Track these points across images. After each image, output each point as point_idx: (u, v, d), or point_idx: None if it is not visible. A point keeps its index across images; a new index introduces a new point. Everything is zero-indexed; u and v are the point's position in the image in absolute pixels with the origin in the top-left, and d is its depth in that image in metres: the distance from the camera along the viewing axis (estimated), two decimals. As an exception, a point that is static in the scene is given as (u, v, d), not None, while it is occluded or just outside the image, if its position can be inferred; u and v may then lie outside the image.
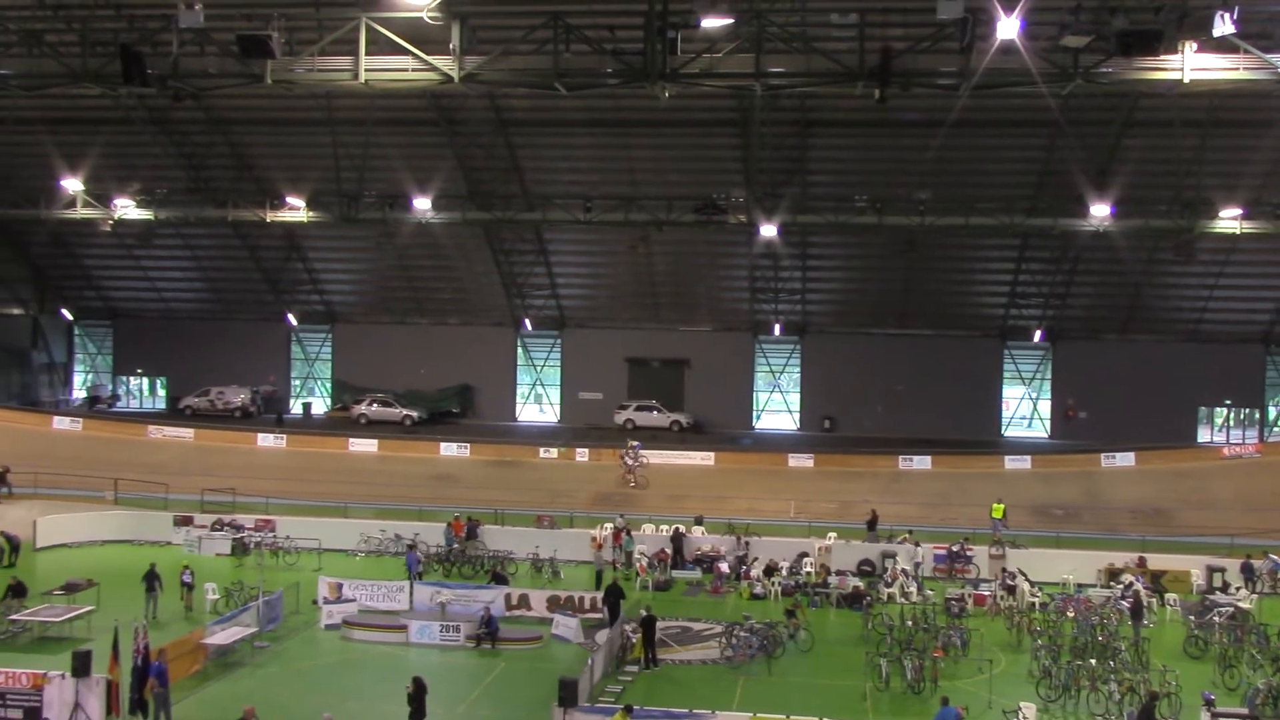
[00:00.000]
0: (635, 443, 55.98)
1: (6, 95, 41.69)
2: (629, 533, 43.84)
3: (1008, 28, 31.16)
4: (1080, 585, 39.71)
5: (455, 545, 43.40)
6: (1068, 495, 52.65)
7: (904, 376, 64.79)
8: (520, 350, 69.56)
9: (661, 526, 45.30)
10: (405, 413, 65.46)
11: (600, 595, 35.74)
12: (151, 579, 35.52)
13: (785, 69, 33.38)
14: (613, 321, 67.11)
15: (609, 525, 44.65)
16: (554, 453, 57.91)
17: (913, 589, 39.14)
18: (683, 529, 44.49)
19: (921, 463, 56.13)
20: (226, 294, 71.03)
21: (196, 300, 72.32)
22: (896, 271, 61.04)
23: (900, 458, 56.53)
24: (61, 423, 61.96)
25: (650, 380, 67.10)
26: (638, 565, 41.46)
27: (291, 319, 70.55)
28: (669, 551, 42.78)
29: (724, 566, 41.32)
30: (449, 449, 58.25)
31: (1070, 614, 34.87)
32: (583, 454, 57.71)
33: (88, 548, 44.47)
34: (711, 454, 57.65)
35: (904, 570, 40.52)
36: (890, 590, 39.02)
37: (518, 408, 69.45)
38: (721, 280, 64.25)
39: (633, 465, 54.63)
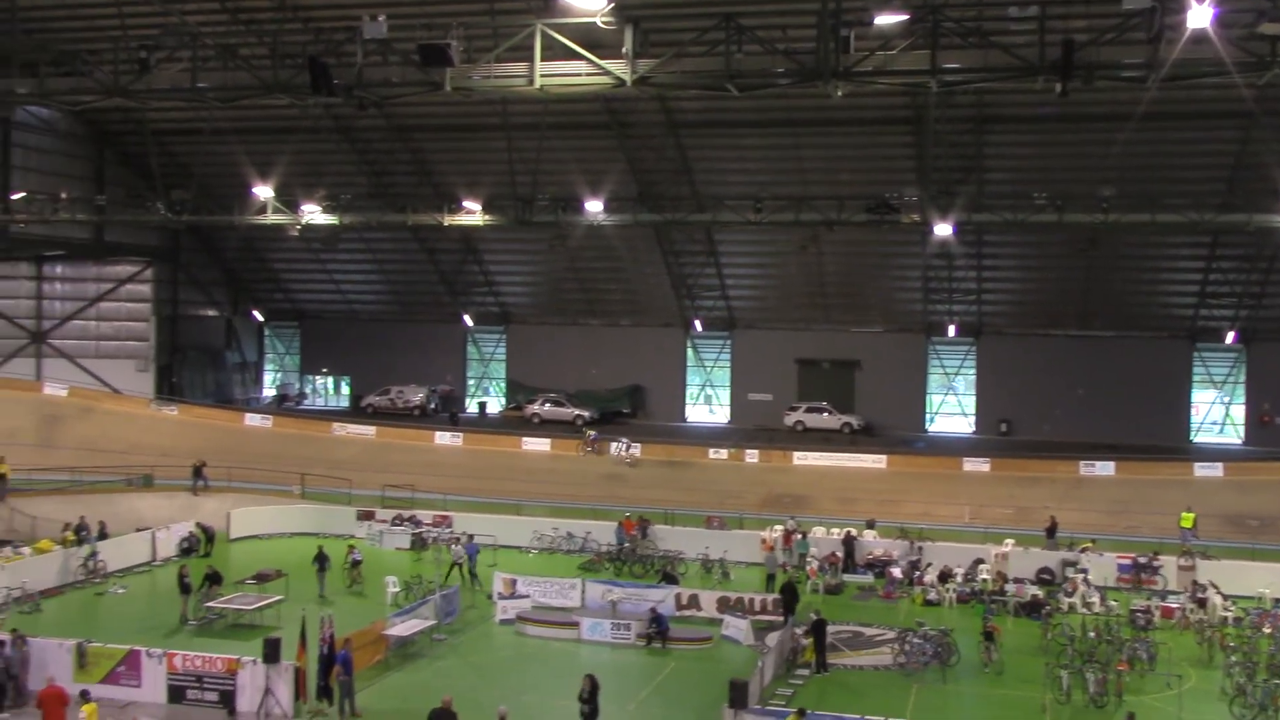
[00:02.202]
0: (592, 433, 59.07)
1: (204, 107, 43.79)
2: (802, 535, 43.48)
3: (1199, 16, 29.69)
4: (1278, 600, 37.66)
5: (626, 544, 43.70)
6: (1264, 505, 49.97)
7: (1084, 379, 62.55)
8: (690, 351, 69.71)
9: (832, 530, 44.77)
10: (577, 412, 66.26)
11: (774, 597, 35.66)
12: (321, 559, 38.35)
13: (961, 64, 32.54)
14: (783, 322, 66.70)
15: (779, 527, 44.36)
16: (723, 454, 57.77)
17: (1095, 599, 37.74)
18: (854, 532, 43.88)
19: (1104, 468, 54.10)
20: (406, 296, 73.16)
21: (378, 302, 74.69)
22: (1076, 271, 58.99)
23: (1081, 463, 54.60)
24: (253, 419, 64.81)
25: (820, 382, 66.40)
26: (809, 568, 41.09)
27: (468, 320, 72.28)
28: (840, 555, 42.27)
29: (896, 571, 40.61)
30: (618, 447, 58.60)
31: (1267, 630, 33.10)
32: (752, 455, 57.43)
33: (276, 539, 46.46)
34: (883, 457, 56.73)
35: (1085, 579, 39.12)
36: (1071, 600, 37.72)
37: (687, 408, 69.71)
38: (894, 280, 63.15)
39: (624, 456, 57.29)
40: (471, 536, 42.44)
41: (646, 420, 68.37)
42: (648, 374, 69.36)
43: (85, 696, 25.06)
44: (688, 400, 69.81)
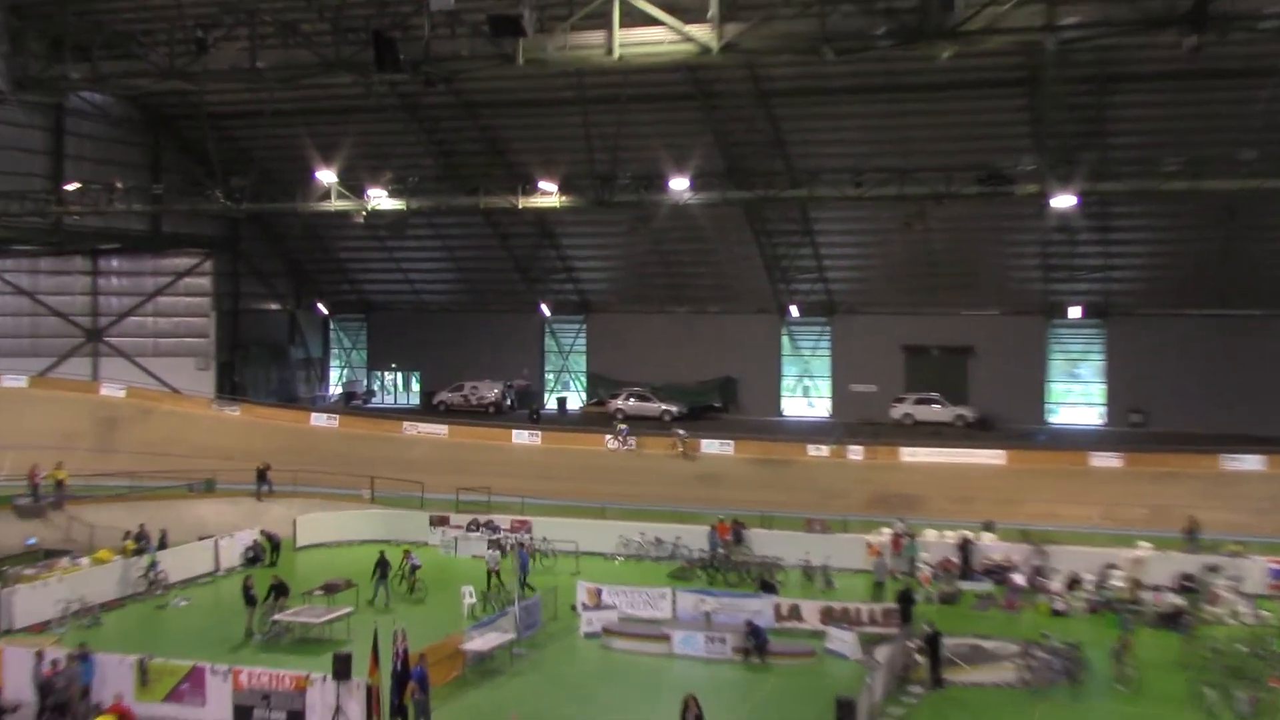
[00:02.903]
0: (623, 427, 59.98)
1: (264, 89, 44.46)
2: (912, 539, 43.01)
3: (1353, -45, 28.71)
4: None
5: (720, 550, 43.56)
6: None
7: (1227, 363, 60.94)
8: (785, 339, 69.50)
9: (946, 533, 44.14)
10: (664, 407, 66.28)
11: (885, 606, 35.41)
12: (383, 566, 39.06)
13: (1081, 18, 31.79)
14: (887, 306, 66.16)
15: (887, 530, 43.90)
16: (824, 450, 57.40)
17: (1243, 608, 36.78)
18: (970, 536, 43.22)
19: (1251, 463, 52.58)
20: (479, 284, 73.82)
21: (448, 292, 75.44)
22: (1214, 243, 57.50)
23: (1224, 457, 53.12)
24: (319, 419, 65.75)
25: (930, 370, 65.72)
26: (920, 575, 40.63)
27: (545, 309, 72.69)
28: (955, 561, 41.71)
29: (1018, 578, 39.95)
30: (711, 446, 58.59)
31: None
32: (856, 452, 57.00)
33: (345, 547, 46.93)
34: (1001, 452, 55.84)
35: (1232, 586, 38.11)
36: (1216, 609, 36.79)
37: (783, 401, 69.46)
38: (1009, 258, 62.19)
39: (621, 445, 58.60)
40: (522, 544, 42.96)
41: (739, 415, 68.23)
42: (740, 365, 69.20)
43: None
44: (784, 393, 69.63)
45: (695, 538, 44.62)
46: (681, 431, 59.87)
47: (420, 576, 40.15)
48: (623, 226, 63.29)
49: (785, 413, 68.99)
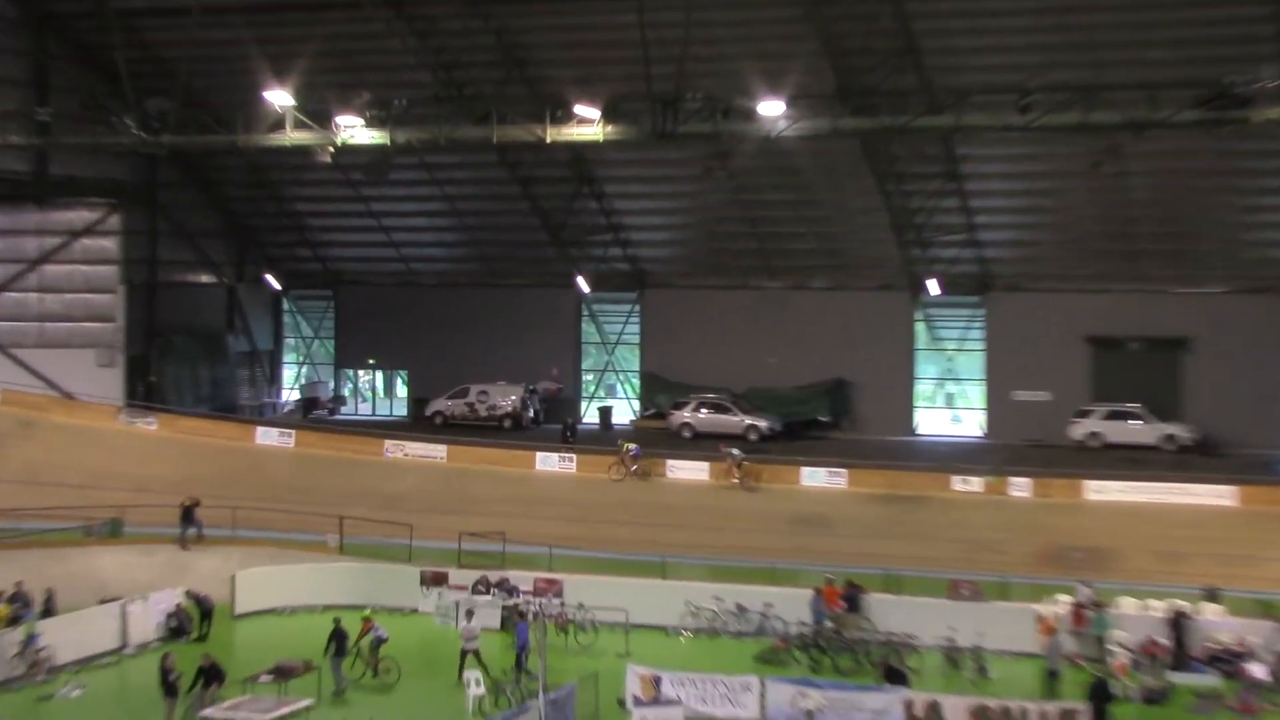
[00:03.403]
0: (632, 447, 60.67)
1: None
2: (1100, 610, 42.48)
3: None
4: None
5: (827, 623, 43.29)
6: None
7: None
8: (921, 327, 69.28)
9: (1150, 603, 43.59)
10: (750, 422, 65.99)
11: (1069, 707, 34.79)
12: (338, 639, 39.31)
13: None
14: (1065, 281, 65.78)
15: (1065, 598, 43.43)
16: (976, 483, 56.93)
17: None
18: (1186, 608, 42.66)
19: None
20: (491, 250, 73.90)
21: (449, 260, 75.60)
22: None
23: None
24: (267, 436, 65.82)
25: (1127, 371, 65.25)
26: (1114, 662, 40.15)
27: (583, 284, 72.52)
28: (1165, 643, 41.15)
29: (1257, 669, 39.30)
30: (815, 476, 58.22)
31: None
32: (1021, 486, 56.58)
33: (304, 615, 46.93)
34: (1230, 489, 55.04)
35: None
36: None
37: (917, 415, 69.22)
38: (1245, 213, 61.55)
39: (625, 471, 60.01)
40: (523, 614, 42.94)
41: (855, 433, 67.98)
42: (857, 363, 68.85)
43: None
44: (918, 402, 69.40)
45: (793, 605, 44.32)
46: (736, 451, 59.73)
47: (389, 654, 40.08)
48: (692, 169, 62.87)
49: (920, 430, 68.69)
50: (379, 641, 40.26)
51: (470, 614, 41.92)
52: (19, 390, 67.64)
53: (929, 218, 64.32)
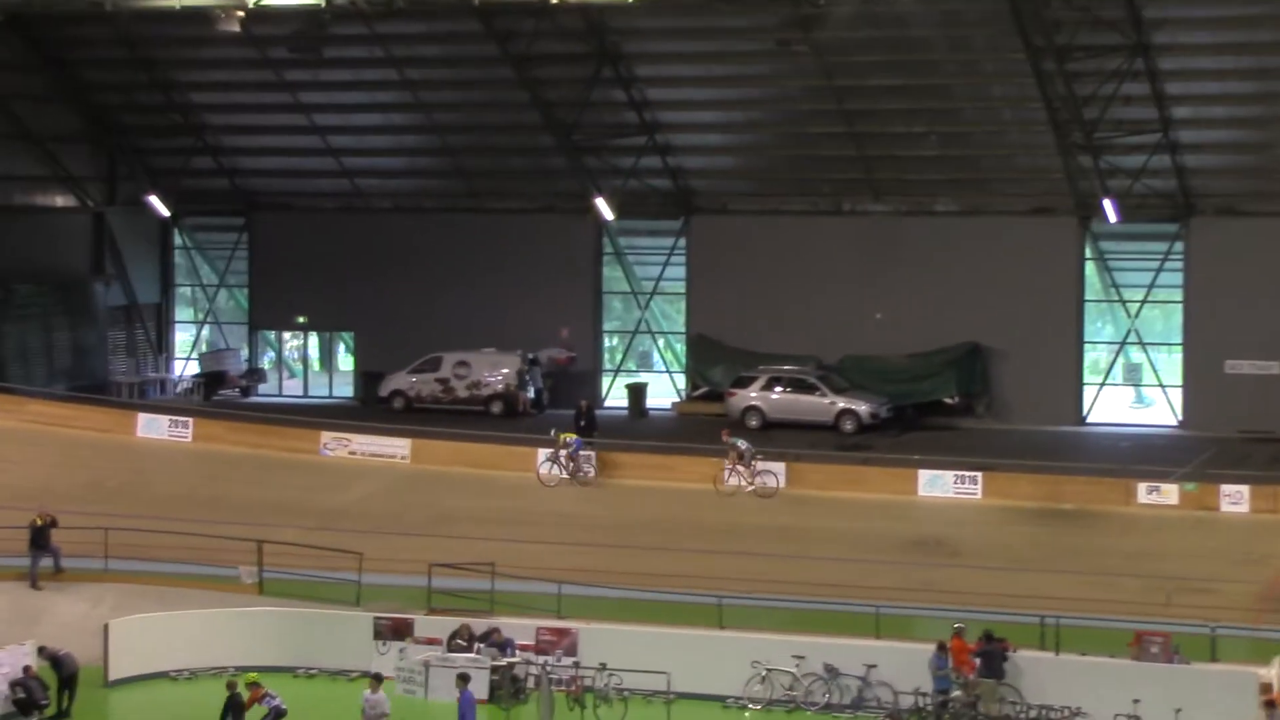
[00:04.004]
0: (571, 439, 61.76)
1: None
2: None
3: None
4: None
5: (956, 691, 43.37)
6: None
7: None
8: (1092, 270, 69.35)
9: None
10: (844, 405, 66.32)
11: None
12: (234, 708, 39.36)
13: None
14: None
15: (1300, 657, 43.43)
16: (1170, 493, 56.99)
17: None
18: None
19: None
20: (472, 160, 74.30)
21: (412, 175, 75.86)
22: None
23: None
24: (154, 426, 66.00)
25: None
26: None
27: (604, 210, 72.55)
28: None
29: None
30: (937, 483, 58.45)
31: None
32: (1236, 497, 56.44)
33: (206, 680, 46.95)
34: None
35: None
36: None
37: (1086, 397, 69.47)
38: None
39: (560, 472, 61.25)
40: (466, 679, 42.52)
41: (995, 422, 68.38)
42: (999, 321, 69.05)
43: None
44: (1088, 377, 69.57)
45: (906, 665, 44.15)
46: (742, 443, 59.94)
47: None
48: (761, 42, 63.06)
49: (1091, 418, 69.02)
50: (275, 716, 40.48)
51: (464, 679, 42.00)
52: None
53: (1105, 111, 64.36)
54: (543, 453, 60.83)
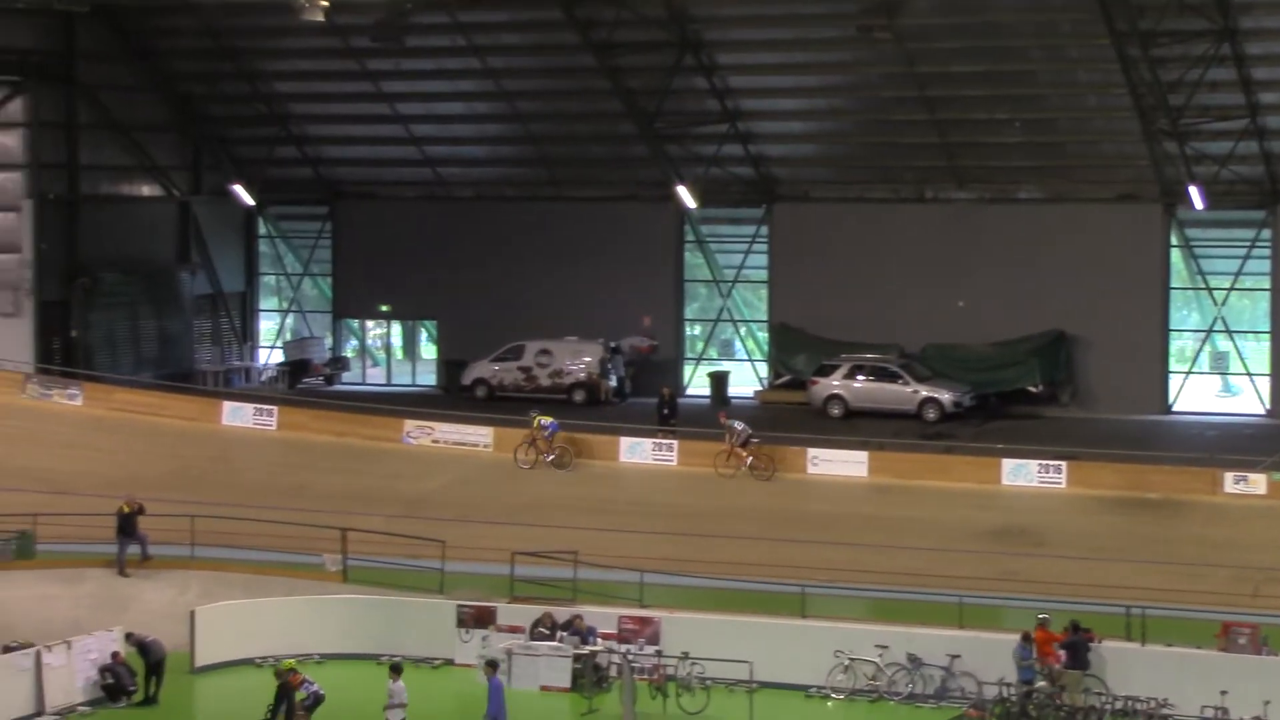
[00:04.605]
0: (548, 421, 61.42)
1: None
2: None
3: None
4: None
5: (1040, 681, 43.12)
6: None
7: None
8: (1178, 257, 69.08)
9: None
10: (927, 394, 66.21)
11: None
12: (286, 695, 39.53)
13: None
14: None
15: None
16: (1259, 483, 56.51)
17: None
18: None
19: None
20: (554, 149, 74.41)
21: (494, 163, 76.06)
22: None
23: None
24: (239, 415, 66.11)
25: None
26: None
27: (686, 197, 72.46)
28: None
29: None
30: (1017, 471, 58.21)
31: None
32: (1327, 485, 56.16)
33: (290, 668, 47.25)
34: None
35: None
36: None
37: (1172, 385, 69.11)
38: None
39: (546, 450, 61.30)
40: (494, 664, 42.23)
41: (1080, 411, 68.14)
42: (1083, 309, 68.79)
43: None
44: (1174, 365, 69.29)
45: (990, 656, 43.90)
46: (739, 424, 59.92)
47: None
48: (844, 29, 62.91)
49: (1177, 406, 68.64)
50: (314, 701, 40.46)
51: (493, 665, 41.83)
52: (-113, 351, 68.54)
53: (1191, 97, 64.02)
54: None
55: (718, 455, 59.73)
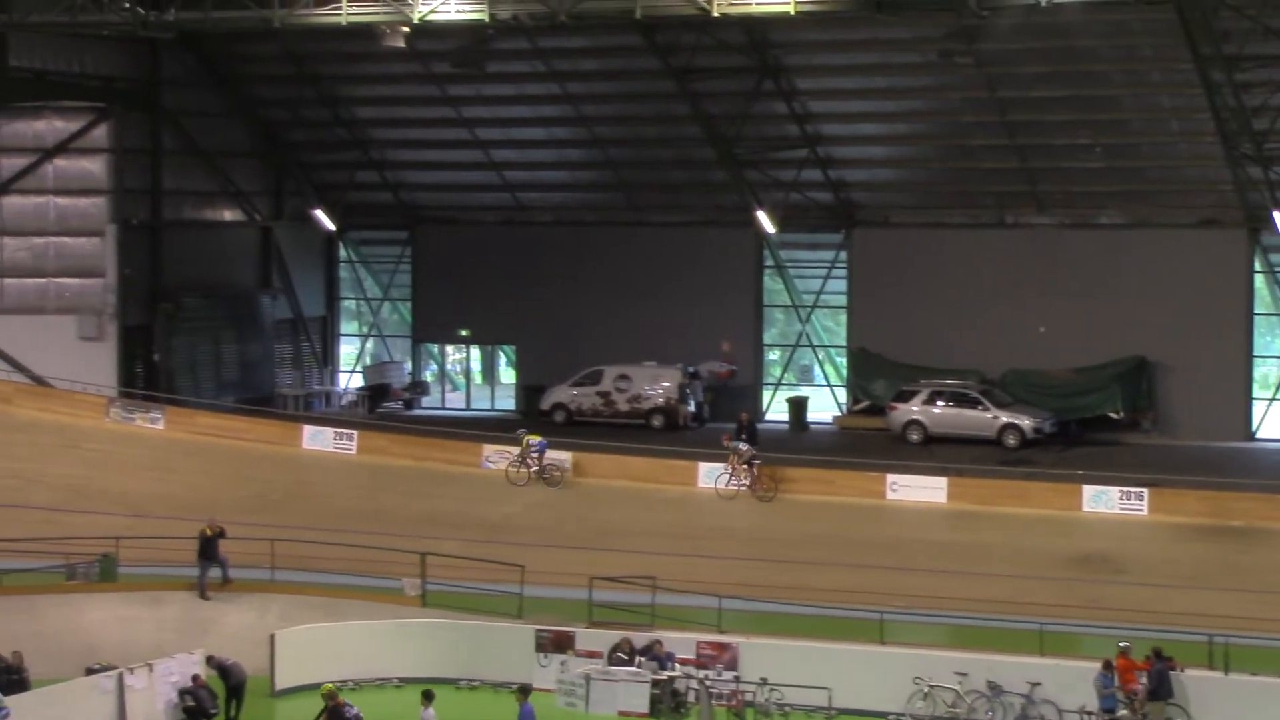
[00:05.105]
0: (536, 440, 62.09)
1: None
2: None
3: None
4: None
5: (1122, 710, 42.96)
6: None
7: None
8: (1261, 283, 68.78)
9: None
10: (1007, 419, 65.93)
11: None
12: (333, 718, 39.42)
13: None
14: None
15: None
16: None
17: None
18: None
19: None
20: (633, 174, 74.49)
21: (574, 188, 76.25)
22: None
23: None
24: (319, 438, 66.39)
25: None
26: None
27: (765, 222, 72.44)
28: None
29: None
30: (1098, 498, 57.90)
31: None
32: None
33: (370, 691, 47.27)
34: None
35: None
36: None
37: (1256, 412, 68.80)
38: None
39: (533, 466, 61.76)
40: (526, 690, 41.88)
41: (1162, 437, 67.76)
42: (1165, 335, 68.45)
43: None
44: (1257, 393, 68.94)
45: (1071, 683, 43.87)
46: (744, 445, 59.99)
47: None
48: (924, 54, 62.82)
49: (1260, 434, 68.28)
50: None
51: (525, 691, 41.71)
52: (-31, 373, 68.82)
53: (1275, 122, 63.67)
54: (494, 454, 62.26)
55: (719, 476, 60.10)
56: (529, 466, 60.86)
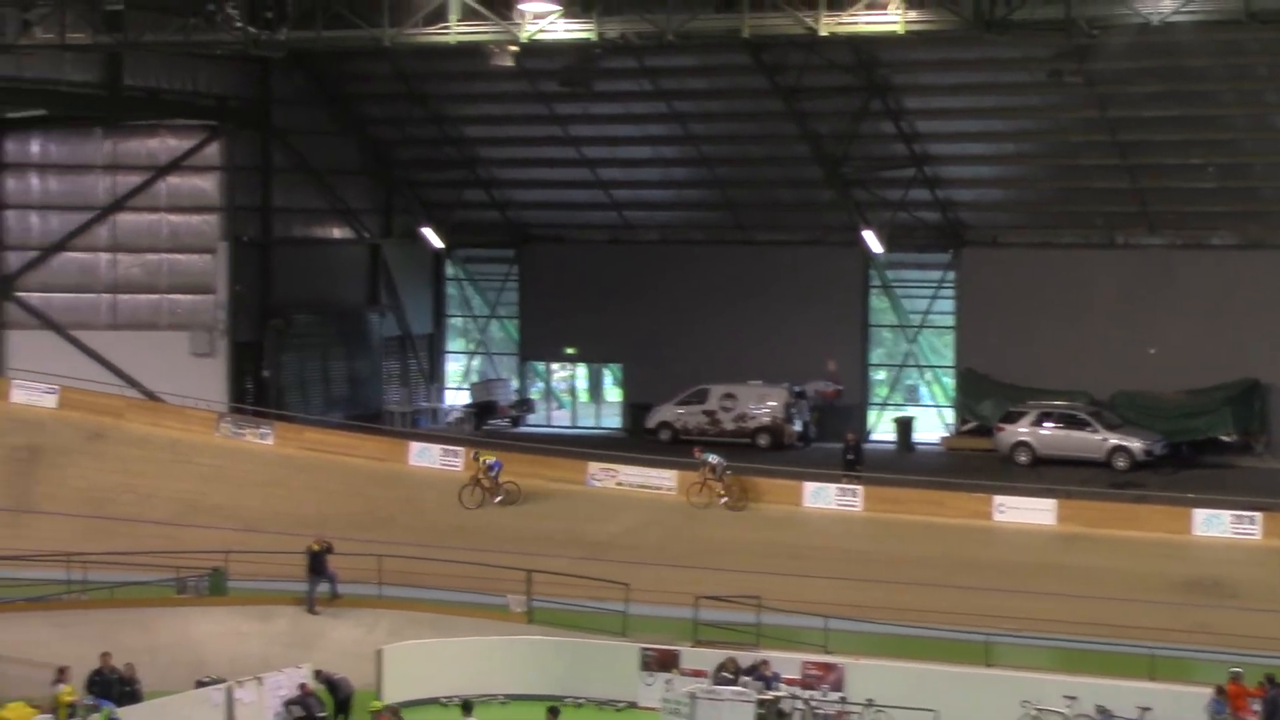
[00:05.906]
0: (491, 460, 62.54)
1: None
2: None
3: None
4: None
5: (1236, 741, 42.73)
6: None
7: None
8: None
9: None
10: (1116, 441, 65.51)
11: None
12: None
13: None
14: None
15: None
16: None
17: None
18: None
19: None
20: (740, 193, 74.62)
21: (680, 208, 76.31)
22: None
23: None
24: (426, 455, 66.57)
25: None
26: None
27: (872, 242, 72.33)
28: None
29: None
30: (1208, 521, 57.49)
31: None
32: None
33: (478, 707, 47.04)
34: None
35: None
36: None
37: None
38: None
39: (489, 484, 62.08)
40: (556, 713, 42.27)
41: (1276, 461, 67.23)
42: (1279, 359, 68.10)
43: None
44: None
45: (1183, 709, 43.38)
46: (714, 458, 60.24)
47: None
48: (1033, 74, 62.68)
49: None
50: None
51: (554, 714, 41.93)
52: (83, 389, 68.94)
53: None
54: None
55: (690, 486, 60.81)
56: (484, 487, 61.11)
